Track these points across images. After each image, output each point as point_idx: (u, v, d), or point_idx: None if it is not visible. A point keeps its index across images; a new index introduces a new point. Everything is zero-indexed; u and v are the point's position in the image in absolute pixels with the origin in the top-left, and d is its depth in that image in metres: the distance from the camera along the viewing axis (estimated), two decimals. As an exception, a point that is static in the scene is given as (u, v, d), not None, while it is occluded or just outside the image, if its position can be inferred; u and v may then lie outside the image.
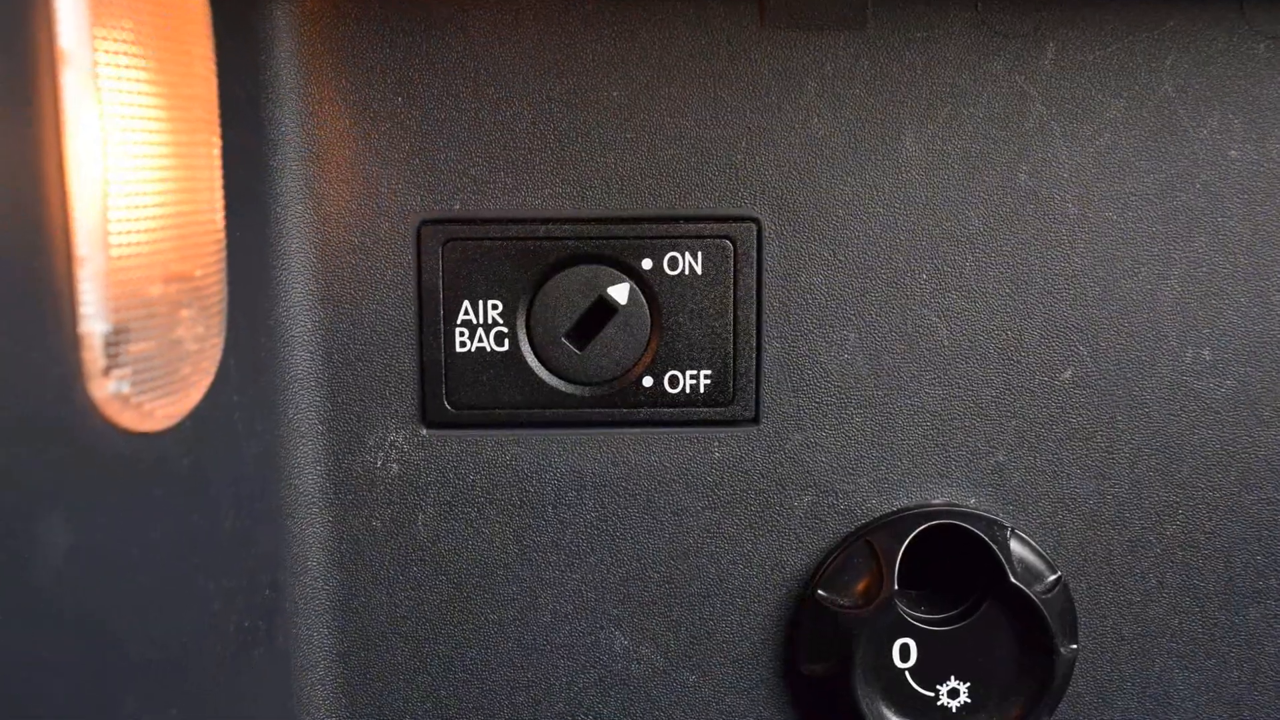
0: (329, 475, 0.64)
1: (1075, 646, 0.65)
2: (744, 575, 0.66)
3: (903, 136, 0.62)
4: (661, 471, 0.65)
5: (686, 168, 0.62)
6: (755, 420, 0.64)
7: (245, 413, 0.55)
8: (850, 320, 0.63)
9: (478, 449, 0.64)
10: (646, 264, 0.62)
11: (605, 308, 0.63)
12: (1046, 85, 0.62)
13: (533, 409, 0.64)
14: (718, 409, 0.64)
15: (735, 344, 0.63)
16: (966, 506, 0.65)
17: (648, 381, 0.63)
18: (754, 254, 0.63)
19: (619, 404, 0.64)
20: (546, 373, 0.63)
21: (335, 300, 0.62)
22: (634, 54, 0.61)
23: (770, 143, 0.62)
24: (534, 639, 0.66)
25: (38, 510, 0.39)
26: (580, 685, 0.67)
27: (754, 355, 0.63)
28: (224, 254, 0.52)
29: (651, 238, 0.62)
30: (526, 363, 0.63)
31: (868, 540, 0.64)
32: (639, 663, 0.66)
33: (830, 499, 0.65)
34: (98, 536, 0.42)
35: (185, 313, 0.47)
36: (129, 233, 0.43)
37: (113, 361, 0.42)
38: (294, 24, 0.60)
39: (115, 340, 0.42)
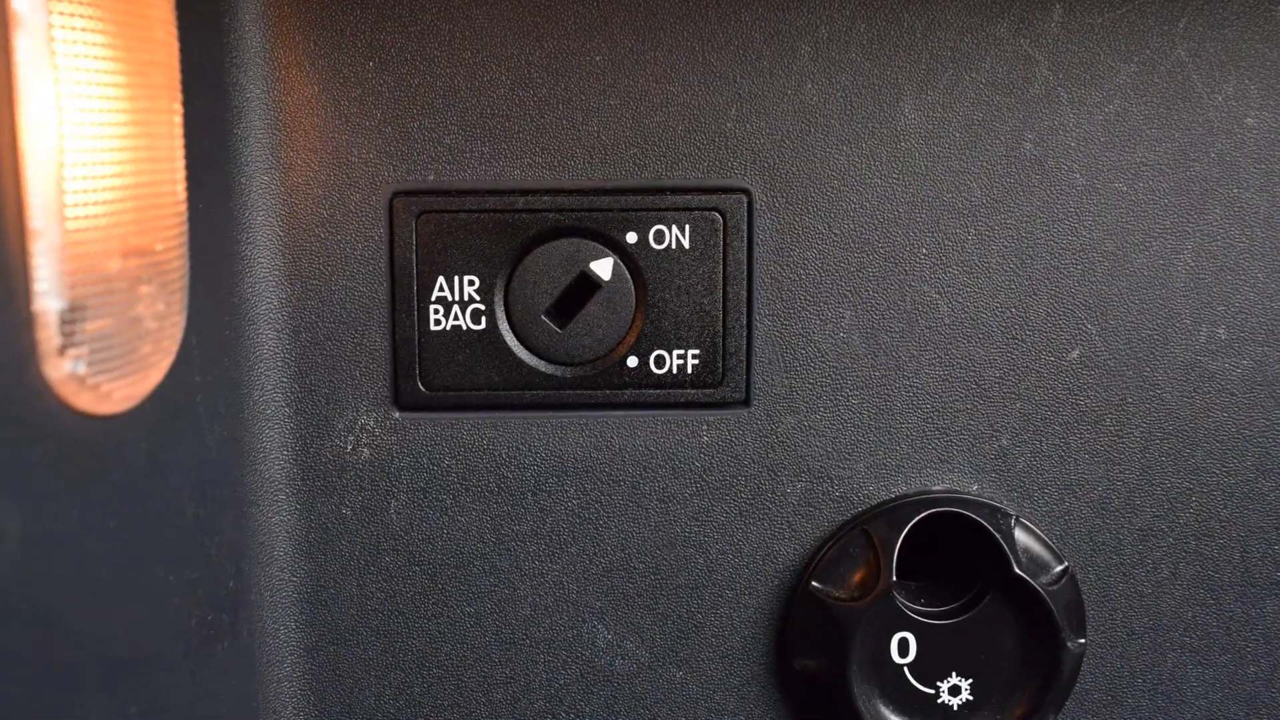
0: (296, 460, 0.64)
1: (1083, 641, 0.66)
2: (734, 566, 0.66)
3: (901, 103, 0.63)
4: (647, 456, 0.65)
5: (673, 136, 0.63)
6: (746, 402, 0.65)
7: (208, 395, 0.56)
8: (846, 297, 0.64)
9: (453, 433, 0.65)
10: (631, 237, 0.63)
11: (587, 284, 0.63)
12: (1053, 49, 0.62)
13: (511, 390, 0.64)
14: (706, 390, 0.64)
15: (724, 322, 0.64)
16: (968, 493, 0.66)
17: (632, 361, 0.64)
18: (744, 227, 0.63)
19: (602, 385, 0.64)
20: (526, 352, 0.64)
21: (303, 276, 0.63)
22: (618, 16, 0.62)
23: (762, 110, 0.62)
24: (512, 633, 0.67)
25: (-12, 496, 0.39)
26: (561, 682, 0.67)
27: (744, 334, 0.64)
28: (186, 227, 0.52)
29: (636, 210, 0.63)
30: (504, 342, 0.64)
31: (864, 529, 0.65)
32: (623, 658, 0.67)
33: (825, 485, 0.66)
34: (52, 525, 0.42)
35: (145, 289, 0.48)
36: (86, 205, 0.43)
37: (68, 340, 0.42)
38: (259, -16, 0.60)
39: (71, 318, 0.42)
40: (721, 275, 0.63)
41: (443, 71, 0.62)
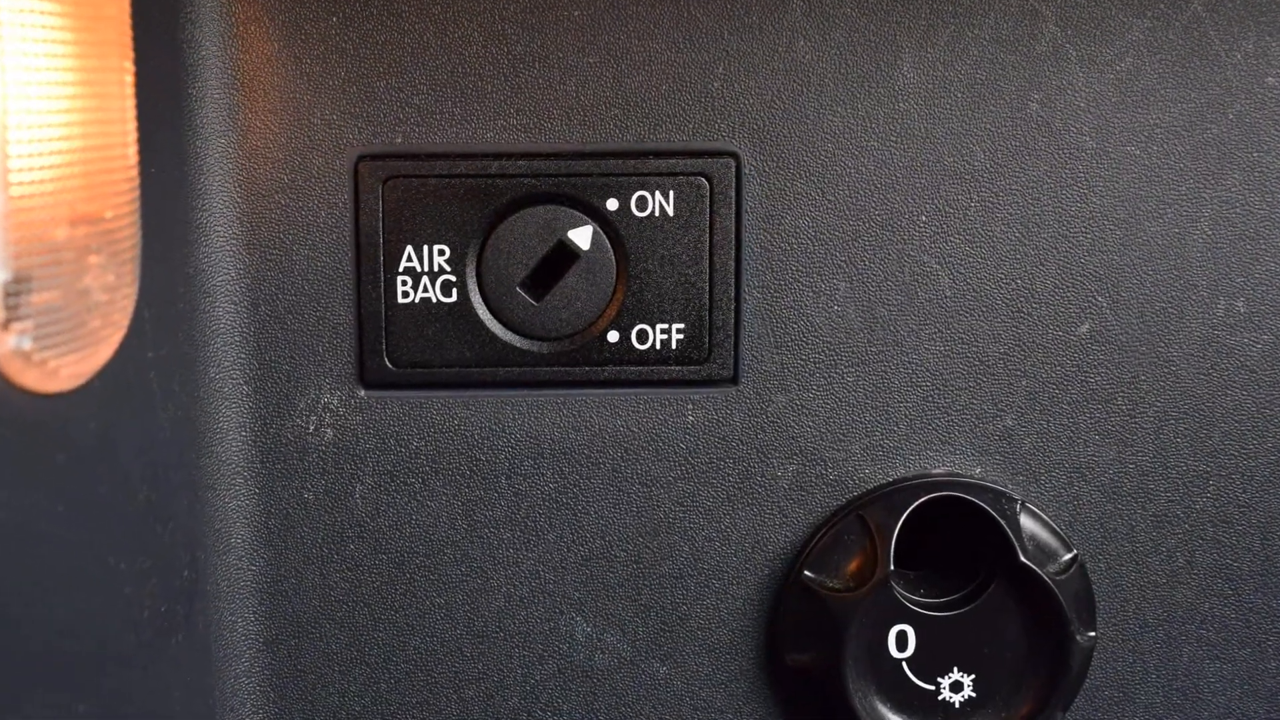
0: (255, 442, 0.65)
1: (1093, 634, 0.66)
2: (721, 554, 0.67)
3: (900, 62, 0.63)
4: (628, 438, 0.66)
5: (656, 96, 0.63)
6: (734, 380, 0.65)
7: (161, 371, 0.56)
8: (841, 268, 0.64)
9: (422, 412, 0.65)
10: (612, 204, 0.63)
11: (565, 254, 0.64)
12: (1061, 4, 0.63)
13: (484, 367, 0.64)
14: (691, 367, 0.65)
15: (711, 294, 0.64)
16: (971, 477, 0.66)
17: (613, 336, 0.64)
18: (732, 193, 0.63)
19: (581, 362, 0.65)
20: (499, 326, 0.64)
21: (262, 245, 0.63)
22: (598, -32, 0.62)
23: (751, 69, 0.63)
24: (485, 625, 0.67)
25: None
26: (537, 677, 0.68)
27: (732, 307, 0.64)
28: (138, 193, 0.52)
29: (617, 175, 0.63)
30: (477, 315, 0.64)
31: (860, 515, 0.65)
32: (603, 652, 0.67)
33: (818, 468, 0.66)
34: (-5, 510, 0.43)
35: (94, 259, 0.48)
36: (31, 170, 0.43)
37: (13, 314, 0.42)
38: (214, -67, 0.61)
39: (16, 290, 0.42)
40: (708, 244, 0.64)
41: (411, 27, 0.62)
